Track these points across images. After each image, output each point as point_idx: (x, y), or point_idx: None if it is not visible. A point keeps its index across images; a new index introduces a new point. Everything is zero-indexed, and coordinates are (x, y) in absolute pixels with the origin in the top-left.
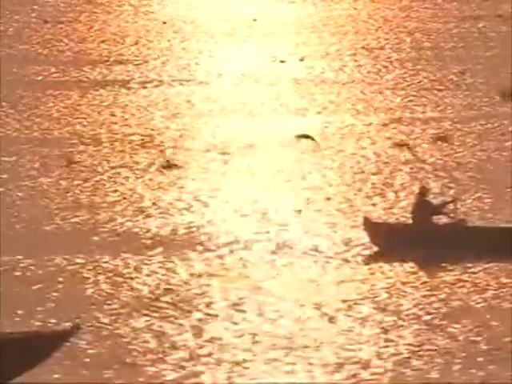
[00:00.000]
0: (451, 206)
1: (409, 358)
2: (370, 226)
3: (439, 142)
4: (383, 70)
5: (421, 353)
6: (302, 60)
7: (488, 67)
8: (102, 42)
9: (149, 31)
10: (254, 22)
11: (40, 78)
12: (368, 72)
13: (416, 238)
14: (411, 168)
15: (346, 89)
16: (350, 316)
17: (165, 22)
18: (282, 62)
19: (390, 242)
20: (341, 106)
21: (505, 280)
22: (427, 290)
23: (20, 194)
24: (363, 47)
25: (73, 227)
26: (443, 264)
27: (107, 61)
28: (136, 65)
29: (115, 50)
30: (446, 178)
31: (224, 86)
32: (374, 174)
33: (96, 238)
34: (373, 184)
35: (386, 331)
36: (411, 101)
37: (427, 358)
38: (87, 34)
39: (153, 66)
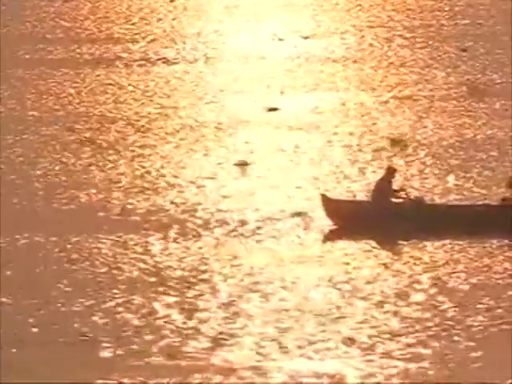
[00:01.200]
0: (407, 186)
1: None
2: (328, 203)
3: (419, 121)
4: (385, 47)
5: (368, 331)
6: (306, 38)
7: (482, 46)
8: (98, 19)
9: (152, 11)
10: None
11: (34, 56)
12: (367, 50)
13: (375, 217)
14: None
15: (341, 66)
16: (307, 293)
17: (172, 0)
18: (281, 40)
19: (347, 219)
20: (334, 84)
21: (460, 257)
22: (385, 268)
23: (17, 172)
24: (356, 25)
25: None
26: (401, 242)
27: (100, 39)
28: (127, 43)
29: (109, 28)
30: (417, 158)
31: (219, 64)
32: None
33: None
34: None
35: (338, 308)
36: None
37: (373, 336)
38: (85, 13)
39: (143, 45)
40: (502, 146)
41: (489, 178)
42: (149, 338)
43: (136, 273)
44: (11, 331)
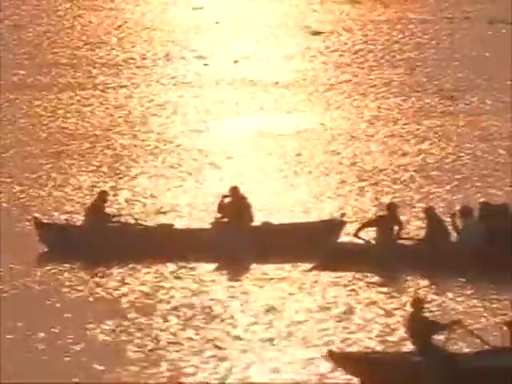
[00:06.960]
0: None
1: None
2: (39, 226)
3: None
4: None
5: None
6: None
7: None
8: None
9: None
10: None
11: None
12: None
13: (84, 239)
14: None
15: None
16: None
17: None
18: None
19: (58, 244)
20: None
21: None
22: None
23: None
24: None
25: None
26: (105, 268)
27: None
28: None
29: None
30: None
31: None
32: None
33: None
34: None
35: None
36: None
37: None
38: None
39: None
40: None
41: None
42: None
43: None
44: None
